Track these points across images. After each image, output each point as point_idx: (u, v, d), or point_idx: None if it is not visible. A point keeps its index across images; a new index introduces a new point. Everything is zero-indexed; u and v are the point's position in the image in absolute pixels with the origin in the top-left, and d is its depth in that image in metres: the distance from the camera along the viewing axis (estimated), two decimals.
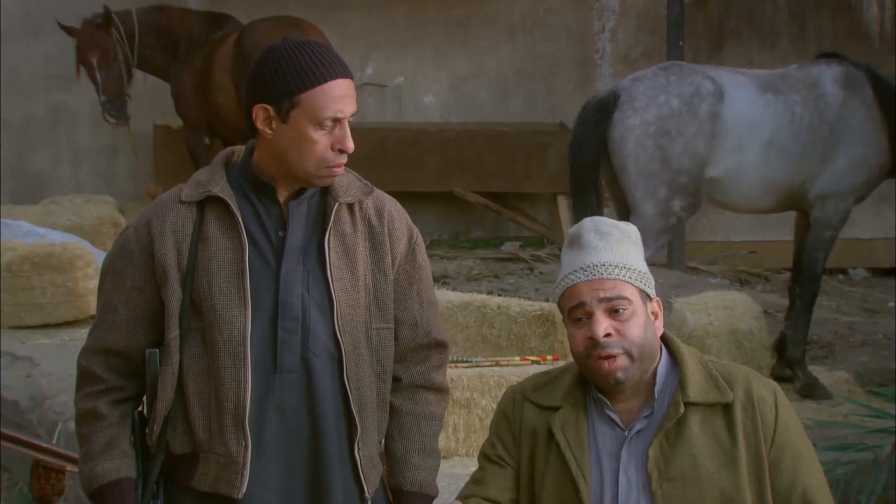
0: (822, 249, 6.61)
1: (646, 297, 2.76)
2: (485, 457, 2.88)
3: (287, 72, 2.83)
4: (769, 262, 9.55)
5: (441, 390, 3.03)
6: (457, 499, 2.85)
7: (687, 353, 2.80)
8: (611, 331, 2.71)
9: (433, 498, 2.97)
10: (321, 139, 2.84)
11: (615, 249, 2.75)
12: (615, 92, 6.41)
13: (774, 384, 2.82)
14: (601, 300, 2.72)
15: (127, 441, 2.90)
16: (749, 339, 6.74)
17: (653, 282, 2.80)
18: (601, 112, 6.36)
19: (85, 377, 2.93)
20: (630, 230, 2.82)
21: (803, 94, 6.46)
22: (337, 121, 2.84)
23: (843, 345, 7.80)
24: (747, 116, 6.36)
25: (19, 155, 10.11)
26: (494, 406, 5.41)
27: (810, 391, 6.50)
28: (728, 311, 6.72)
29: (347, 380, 2.88)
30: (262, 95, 2.85)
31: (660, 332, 2.79)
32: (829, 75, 6.53)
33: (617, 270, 2.72)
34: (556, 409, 2.80)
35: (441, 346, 3.03)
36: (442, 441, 5.44)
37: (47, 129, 10.16)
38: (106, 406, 2.90)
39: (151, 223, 2.89)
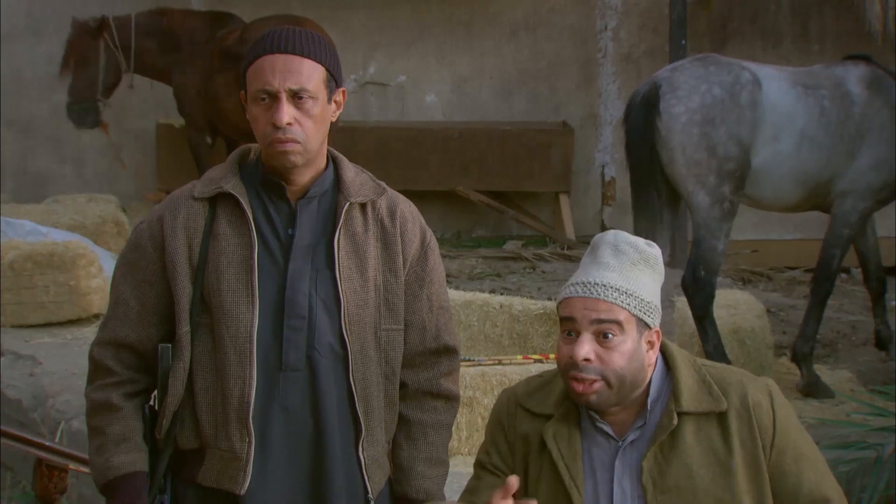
0: (839, 247, 6.64)
1: (643, 325, 2.69)
2: (480, 465, 2.86)
3: (245, 55, 2.89)
4: (771, 261, 9.55)
5: (450, 398, 3.01)
6: None
7: (681, 359, 2.76)
8: (591, 356, 2.65)
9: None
10: (260, 115, 2.83)
11: (626, 271, 2.69)
12: (655, 83, 6.42)
13: (770, 383, 2.77)
14: (592, 321, 2.66)
15: (140, 435, 2.91)
16: (752, 338, 6.73)
17: (658, 312, 2.72)
18: (647, 106, 6.36)
19: (98, 369, 2.93)
20: (650, 253, 2.74)
21: (830, 90, 6.50)
22: (271, 95, 2.81)
23: (846, 344, 7.80)
24: (782, 107, 6.39)
25: (22, 154, 10.12)
26: None
27: (813, 390, 6.51)
28: (730, 310, 6.72)
29: (353, 380, 2.88)
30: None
31: (650, 363, 2.72)
32: (854, 75, 6.56)
33: (616, 294, 2.66)
34: (549, 416, 2.77)
35: (451, 351, 3.01)
36: None
37: (50, 129, 10.16)
38: (120, 398, 2.90)
39: (164, 218, 2.90)
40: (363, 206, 2.93)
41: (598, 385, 2.66)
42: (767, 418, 2.71)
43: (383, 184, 2.98)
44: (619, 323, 2.66)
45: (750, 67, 6.45)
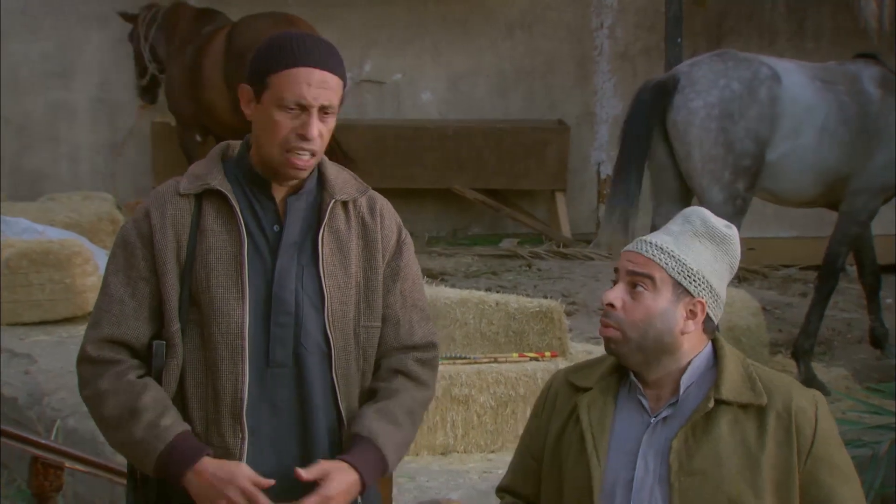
0: (845, 244, 6.69)
1: (683, 291, 2.72)
2: (518, 447, 2.93)
3: (266, 54, 2.89)
4: (767, 259, 9.56)
5: (419, 381, 2.97)
6: (499, 487, 2.91)
7: (730, 354, 2.78)
8: (618, 303, 2.72)
9: (383, 455, 2.87)
10: (284, 122, 2.85)
11: (683, 238, 2.74)
12: (674, 76, 6.44)
13: (818, 394, 2.79)
14: (628, 272, 2.73)
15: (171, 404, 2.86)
16: (747, 336, 6.74)
17: (706, 283, 2.74)
18: (659, 92, 6.39)
19: (100, 363, 2.88)
20: (721, 231, 2.76)
21: (847, 87, 6.54)
22: (302, 108, 2.84)
23: (842, 341, 7.81)
24: (803, 101, 6.42)
25: (18, 152, 10.11)
26: (493, 402, 5.44)
27: (809, 387, 6.51)
28: (726, 308, 6.69)
29: (336, 375, 2.90)
30: (246, 76, 2.92)
31: (688, 331, 2.74)
32: (867, 74, 6.61)
33: (656, 252, 2.72)
34: (588, 390, 2.80)
35: (427, 346, 3.00)
36: (440, 437, 5.46)
37: (46, 127, 10.16)
38: (136, 377, 2.86)
39: (151, 215, 2.90)
40: (345, 203, 2.96)
41: (614, 332, 2.72)
42: (809, 426, 2.71)
43: (365, 183, 3.01)
44: (651, 278, 2.71)
45: (768, 62, 6.48)
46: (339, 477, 2.81)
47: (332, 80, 2.87)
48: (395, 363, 2.96)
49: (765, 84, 6.35)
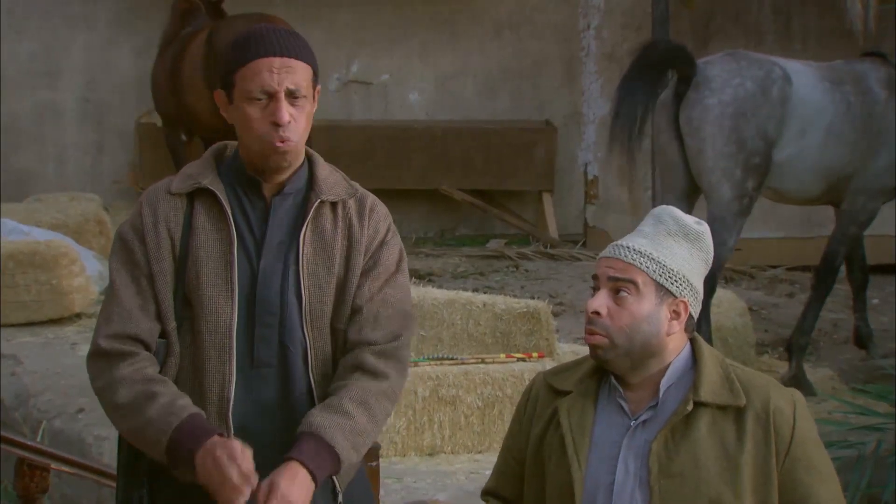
0: (844, 244, 6.74)
1: (665, 292, 2.73)
2: (501, 450, 2.94)
3: (228, 55, 2.91)
4: (754, 260, 9.57)
5: (374, 372, 2.91)
6: (484, 490, 2.91)
7: (709, 355, 2.78)
8: (603, 310, 2.72)
9: (330, 445, 2.82)
10: (256, 114, 2.86)
11: (658, 239, 2.75)
12: (691, 59, 6.51)
13: (797, 394, 2.78)
14: (609, 278, 2.74)
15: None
16: (734, 336, 6.76)
17: (688, 283, 2.75)
18: (680, 48, 6.52)
19: (114, 356, 2.86)
20: (693, 228, 2.78)
21: (853, 87, 6.58)
22: (269, 95, 2.85)
23: (828, 342, 7.82)
24: (811, 102, 6.48)
25: (4, 153, 10.07)
26: (480, 403, 5.45)
27: (796, 384, 6.53)
28: (713, 308, 6.73)
29: (312, 375, 2.91)
30: (217, 82, 2.93)
31: (673, 332, 2.75)
32: (874, 74, 6.67)
33: (635, 256, 2.72)
34: (568, 393, 2.80)
35: (388, 339, 2.94)
36: (427, 438, 5.47)
37: (32, 127, 10.13)
38: (155, 371, 2.86)
39: (144, 214, 2.92)
40: (334, 204, 2.95)
41: (602, 340, 2.72)
42: (787, 426, 2.72)
43: (356, 184, 3.01)
44: (634, 283, 2.72)
45: (779, 63, 6.55)
46: (287, 474, 2.78)
47: (296, 64, 2.87)
48: (352, 358, 2.92)
49: (777, 84, 6.41)
